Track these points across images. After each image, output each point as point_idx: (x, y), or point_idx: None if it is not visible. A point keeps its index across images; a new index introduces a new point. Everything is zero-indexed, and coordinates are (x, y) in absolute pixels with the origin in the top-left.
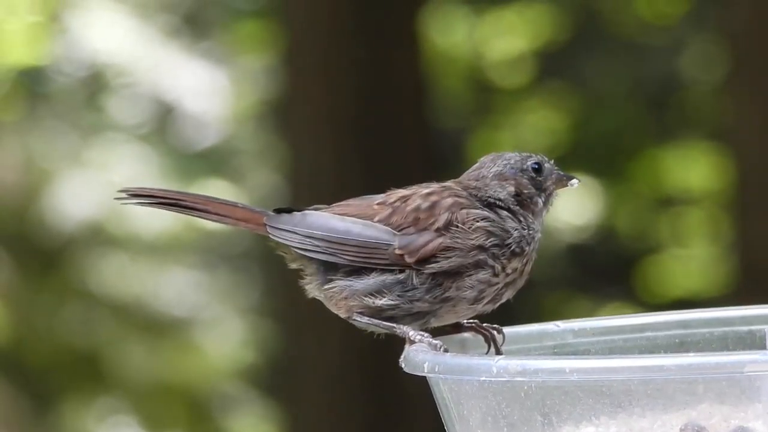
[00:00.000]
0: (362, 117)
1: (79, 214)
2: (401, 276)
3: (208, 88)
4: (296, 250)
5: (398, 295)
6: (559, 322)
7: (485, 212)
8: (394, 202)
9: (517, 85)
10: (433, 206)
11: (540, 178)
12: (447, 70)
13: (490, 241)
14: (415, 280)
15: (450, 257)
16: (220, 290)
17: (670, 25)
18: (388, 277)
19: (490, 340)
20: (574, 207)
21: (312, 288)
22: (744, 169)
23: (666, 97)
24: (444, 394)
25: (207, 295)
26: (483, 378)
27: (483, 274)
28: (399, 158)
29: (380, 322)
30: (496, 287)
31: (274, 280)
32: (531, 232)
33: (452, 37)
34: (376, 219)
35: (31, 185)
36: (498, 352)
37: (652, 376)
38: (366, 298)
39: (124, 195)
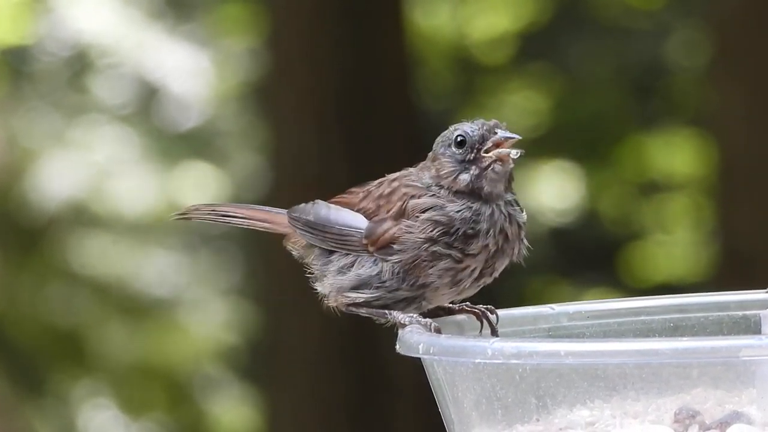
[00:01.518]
0: (346, 99)
1: (62, 194)
2: (374, 269)
3: (191, 70)
4: (300, 233)
5: (376, 287)
6: (554, 305)
7: (432, 200)
8: (370, 187)
9: (500, 65)
10: (392, 193)
11: (461, 152)
12: (431, 51)
13: (437, 231)
14: (386, 272)
15: (405, 250)
16: (201, 271)
17: (655, 10)
18: (364, 272)
19: (482, 318)
20: (557, 191)
21: (316, 284)
22: (727, 155)
23: (650, 82)
24: (438, 376)
25: (188, 277)
26: (478, 360)
27: (444, 264)
28: (383, 139)
29: (372, 310)
30: (469, 270)
31: (255, 262)
32: (474, 210)
33: (436, 17)
34: (356, 208)
35: (15, 165)
36: (494, 332)
37: (647, 360)
38: (351, 294)
39: (180, 216)
